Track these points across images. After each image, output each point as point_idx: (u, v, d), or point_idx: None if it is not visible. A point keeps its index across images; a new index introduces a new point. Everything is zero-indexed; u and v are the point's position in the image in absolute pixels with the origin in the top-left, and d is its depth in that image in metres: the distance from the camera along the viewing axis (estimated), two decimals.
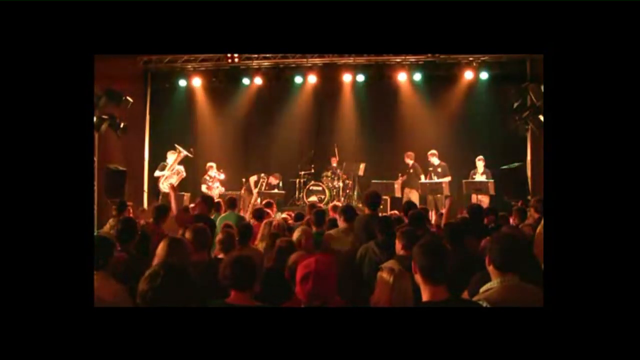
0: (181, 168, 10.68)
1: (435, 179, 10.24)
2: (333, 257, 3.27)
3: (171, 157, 10.73)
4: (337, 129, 11.94)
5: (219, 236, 4.22)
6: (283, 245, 3.99)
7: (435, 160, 10.43)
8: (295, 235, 4.33)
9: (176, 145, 10.70)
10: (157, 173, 10.76)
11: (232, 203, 6.79)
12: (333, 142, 11.56)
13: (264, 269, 3.90)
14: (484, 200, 9.25)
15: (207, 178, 10.93)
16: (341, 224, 4.88)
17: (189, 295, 2.15)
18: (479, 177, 9.96)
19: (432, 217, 9.57)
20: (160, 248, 3.14)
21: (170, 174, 10.56)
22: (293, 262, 3.16)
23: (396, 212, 8.65)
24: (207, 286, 2.87)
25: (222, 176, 10.94)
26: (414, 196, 10.28)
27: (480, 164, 10.02)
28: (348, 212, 4.91)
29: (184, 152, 10.62)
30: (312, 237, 4.46)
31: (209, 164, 10.99)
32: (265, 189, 10.66)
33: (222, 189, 10.91)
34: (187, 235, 3.77)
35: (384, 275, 2.86)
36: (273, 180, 11.01)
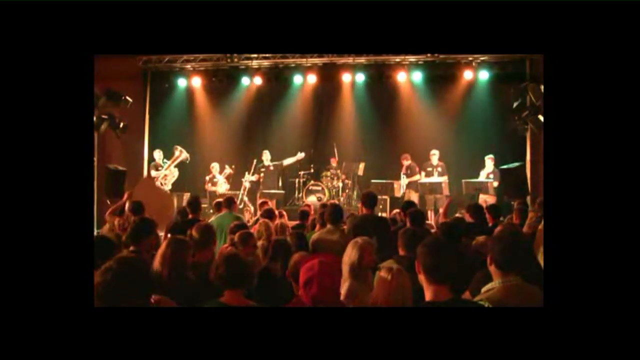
0: (176, 171, 10.69)
1: (436, 177, 10.25)
2: (337, 258, 3.23)
3: (157, 154, 10.73)
4: (337, 128, 11.94)
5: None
6: (277, 244, 3.98)
7: (434, 160, 10.45)
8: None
9: (178, 147, 10.70)
10: (153, 173, 10.79)
11: (229, 202, 6.78)
12: (332, 142, 11.57)
13: (259, 268, 3.89)
14: (490, 201, 9.25)
15: (207, 178, 11.01)
16: (327, 225, 4.81)
17: (142, 291, 2.18)
18: (482, 176, 9.98)
19: (432, 217, 9.59)
20: (162, 247, 3.15)
21: (166, 174, 10.57)
22: (295, 262, 3.15)
23: (397, 210, 8.68)
24: (208, 286, 2.88)
25: (227, 172, 10.93)
26: (414, 197, 10.31)
27: (489, 162, 10.03)
28: (334, 214, 4.82)
29: (185, 155, 10.63)
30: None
31: (212, 165, 11.07)
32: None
33: (228, 186, 10.94)
34: (193, 233, 3.80)
35: (382, 274, 2.85)
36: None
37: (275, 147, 11.79)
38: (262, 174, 11.01)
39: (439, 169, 10.38)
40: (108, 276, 2.11)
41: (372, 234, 4.36)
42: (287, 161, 11.21)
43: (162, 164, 10.77)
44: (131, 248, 3.68)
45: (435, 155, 10.46)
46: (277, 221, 5.67)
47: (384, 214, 9.53)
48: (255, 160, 11.03)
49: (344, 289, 2.96)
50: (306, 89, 11.81)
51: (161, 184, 10.51)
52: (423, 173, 10.50)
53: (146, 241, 3.79)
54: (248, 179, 10.93)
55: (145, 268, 2.33)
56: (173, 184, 10.88)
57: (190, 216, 5.78)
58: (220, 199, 7.04)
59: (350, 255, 3.24)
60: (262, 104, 11.98)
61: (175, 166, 10.79)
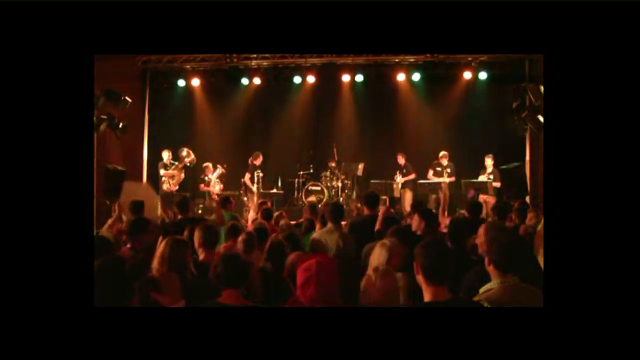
0: (182, 173, 10.63)
1: (445, 178, 10.26)
2: (334, 258, 3.23)
3: (166, 154, 10.71)
4: (336, 129, 11.93)
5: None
6: (275, 244, 3.98)
7: (444, 162, 10.47)
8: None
9: (185, 149, 10.63)
10: (161, 172, 10.68)
11: (224, 202, 6.78)
12: (332, 142, 11.55)
13: (257, 268, 3.89)
14: (490, 201, 9.26)
15: (204, 178, 10.98)
16: (328, 223, 4.83)
17: (124, 291, 2.28)
18: (482, 176, 9.97)
19: None
20: (161, 247, 3.16)
21: (177, 172, 10.51)
22: (292, 262, 3.15)
23: (392, 210, 8.68)
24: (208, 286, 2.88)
25: (218, 171, 10.87)
26: (408, 196, 10.30)
27: (489, 162, 10.03)
28: (335, 212, 4.84)
29: (192, 157, 10.58)
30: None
31: (204, 165, 11.02)
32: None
33: (221, 186, 10.90)
34: (197, 234, 3.81)
35: (369, 272, 2.83)
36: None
37: (275, 147, 11.78)
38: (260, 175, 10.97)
39: (449, 170, 10.37)
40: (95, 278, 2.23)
41: (372, 234, 4.37)
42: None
43: (171, 164, 10.70)
44: (128, 246, 3.78)
45: (445, 158, 10.46)
46: (281, 222, 5.68)
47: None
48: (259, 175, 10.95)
49: (381, 290, 2.92)
50: (305, 89, 11.79)
51: (169, 183, 10.47)
52: (431, 172, 10.49)
53: (141, 238, 3.84)
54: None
55: (122, 265, 2.37)
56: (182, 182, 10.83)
57: (179, 216, 5.72)
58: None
59: (378, 256, 3.31)
60: (261, 104, 11.96)
61: (181, 168, 10.73)
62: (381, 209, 4.94)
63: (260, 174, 10.78)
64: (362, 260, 4.17)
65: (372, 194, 5.42)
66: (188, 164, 10.68)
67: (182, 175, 10.61)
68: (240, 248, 4.07)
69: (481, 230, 3.32)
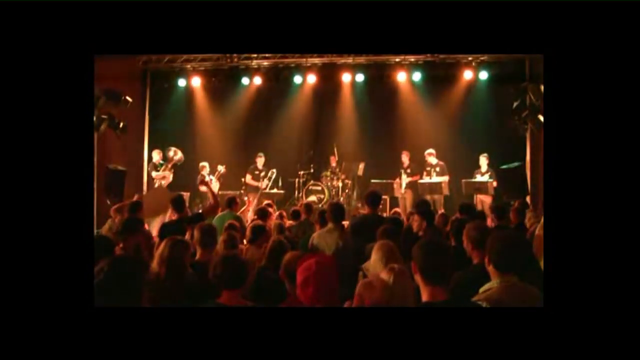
0: (170, 174, 10.59)
1: (435, 177, 10.22)
2: (333, 258, 3.22)
3: (156, 154, 10.69)
4: (337, 128, 11.92)
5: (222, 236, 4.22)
6: (275, 244, 3.98)
7: (433, 160, 10.42)
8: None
9: (172, 148, 10.60)
10: (153, 174, 10.67)
11: (230, 202, 6.78)
12: (332, 142, 11.55)
13: (256, 268, 3.90)
14: (486, 201, 9.25)
15: (207, 179, 10.96)
16: (329, 223, 4.82)
17: (135, 290, 2.24)
18: (481, 176, 9.95)
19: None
20: (161, 248, 3.17)
21: (168, 174, 10.50)
22: (288, 261, 3.14)
23: (397, 210, 8.69)
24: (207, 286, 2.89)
25: (219, 171, 10.82)
26: (408, 196, 10.28)
27: (483, 161, 10.01)
28: (335, 212, 4.82)
29: (179, 156, 10.55)
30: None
31: (201, 164, 10.99)
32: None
33: (218, 185, 10.87)
34: (195, 234, 3.82)
35: (383, 275, 2.80)
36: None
37: (275, 147, 11.78)
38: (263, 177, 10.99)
39: (437, 169, 10.33)
40: (101, 276, 2.20)
41: (374, 234, 4.36)
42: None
43: (160, 165, 10.69)
44: (120, 245, 3.79)
45: (432, 155, 10.42)
46: (277, 221, 5.69)
47: (384, 214, 9.49)
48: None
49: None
50: (306, 89, 11.78)
51: (160, 184, 10.46)
52: (423, 172, 10.47)
53: (132, 239, 3.87)
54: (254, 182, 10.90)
55: (136, 267, 2.36)
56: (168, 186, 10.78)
57: (175, 217, 5.67)
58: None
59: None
60: (261, 104, 11.95)
61: (170, 168, 10.70)
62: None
63: (274, 172, 10.91)
64: (364, 260, 4.17)
65: (374, 194, 5.42)
66: (177, 163, 10.64)
67: (171, 175, 10.56)
68: (220, 248, 4.07)
69: (464, 232, 3.33)
